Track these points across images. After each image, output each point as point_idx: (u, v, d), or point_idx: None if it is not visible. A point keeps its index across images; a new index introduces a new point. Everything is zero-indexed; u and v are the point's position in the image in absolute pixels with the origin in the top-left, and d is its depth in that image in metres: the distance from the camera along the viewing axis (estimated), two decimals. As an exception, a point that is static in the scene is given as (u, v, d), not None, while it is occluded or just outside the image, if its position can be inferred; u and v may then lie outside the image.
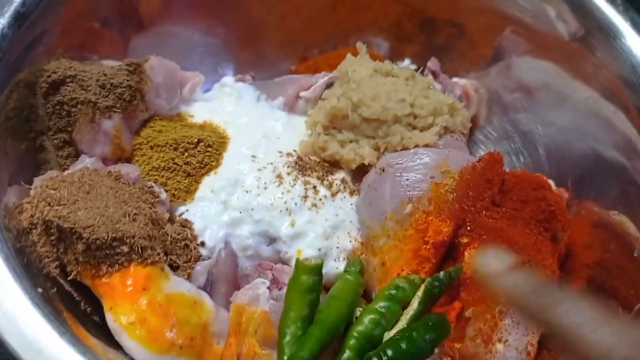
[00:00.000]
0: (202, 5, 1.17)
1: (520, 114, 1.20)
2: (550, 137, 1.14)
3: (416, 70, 1.24)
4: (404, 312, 0.83)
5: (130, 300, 0.78)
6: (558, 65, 1.10)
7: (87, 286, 0.82)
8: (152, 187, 0.89)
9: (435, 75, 1.18)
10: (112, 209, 0.80)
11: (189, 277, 0.86)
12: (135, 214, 0.81)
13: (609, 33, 1.01)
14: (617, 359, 0.60)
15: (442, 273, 0.84)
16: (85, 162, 0.89)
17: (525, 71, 1.19)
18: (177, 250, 0.86)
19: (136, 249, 0.79)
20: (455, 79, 1.23)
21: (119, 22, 1.09)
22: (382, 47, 1.31)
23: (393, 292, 0.83)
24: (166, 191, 0.92)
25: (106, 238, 0.77)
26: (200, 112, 1.03)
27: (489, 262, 0.73)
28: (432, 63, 1.18)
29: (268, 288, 0.85)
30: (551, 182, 1.03)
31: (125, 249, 0.78)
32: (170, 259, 0.85)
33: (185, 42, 1.19)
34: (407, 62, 1.28)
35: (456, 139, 0.98)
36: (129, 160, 0.95)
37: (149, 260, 0.80)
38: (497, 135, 1.24)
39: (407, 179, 0.91)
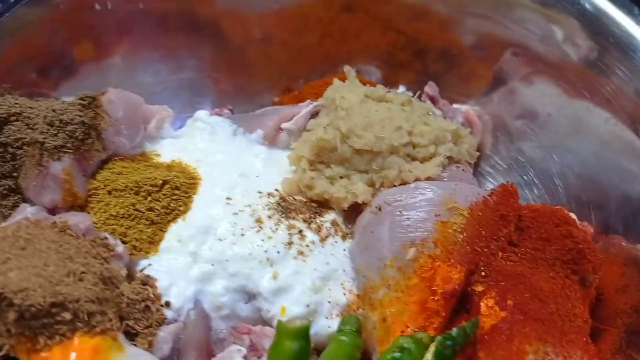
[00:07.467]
0: (170, 33, 1.07)
1: (530, 141, 1.10)
2: (567, 165, 1.04)
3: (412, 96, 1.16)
4: (412, 379, 0.69)
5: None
6: (570, 88, 1.01)
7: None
8: (106, 238, 0.76)
9: (434, 101, 1.06)
10: (52, 268, 0.66)
11: (150, 346, 0.73)
12: (82, 272, 0.68)
13: (629, 48, 0.92)
14: None
15: (454, 330, 0.71)
16: (26, 212, 0.76)
17: (532, 96, 1.10)
18: (136, 313, 0.73)
19: (81, 315, 0.65)
20: (456, 105, 1.13)
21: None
22: (374, 75, 1.21)
23: (397, 354, 0.70)
24: (126, 242, 0.80)
25: (43, 304, 0.63)
26: (168, 150, 0.91)
27: None
28: (430, 88, 1.07)
29: (245, 357, 0.73)
30: (573, 216, 0.91)
31: (68, 316, 0.65)
32: (127, 325, 0.72)
33: (153, 75, 1.09)
34: (402, 88, 1.17)
35: (462, 170, 0.86)
36: (82, 207, 0.83)
37: (97, 329, 0.67)
38: (506, 166, 1.13)
39: (408, 219, 0.79)
